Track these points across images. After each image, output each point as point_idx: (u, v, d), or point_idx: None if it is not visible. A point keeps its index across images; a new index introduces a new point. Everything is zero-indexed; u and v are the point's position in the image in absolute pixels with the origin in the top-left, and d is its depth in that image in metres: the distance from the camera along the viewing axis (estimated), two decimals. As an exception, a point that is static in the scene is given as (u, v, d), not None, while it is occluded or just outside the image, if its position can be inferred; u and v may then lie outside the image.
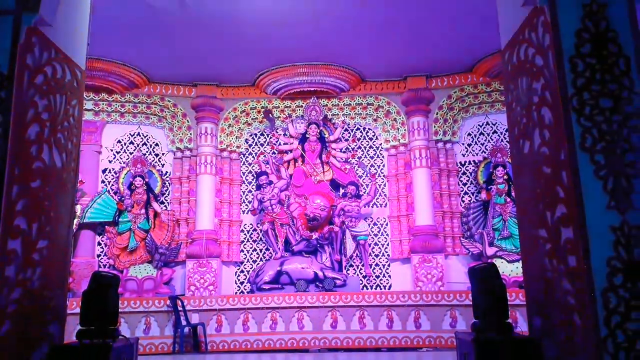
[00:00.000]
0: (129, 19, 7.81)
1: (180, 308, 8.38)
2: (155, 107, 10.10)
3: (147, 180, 9.70)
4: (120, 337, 4.38)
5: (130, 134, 10.11)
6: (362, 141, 10.34)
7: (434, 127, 9.94)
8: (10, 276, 3.74)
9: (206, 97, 10.05)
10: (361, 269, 9.70)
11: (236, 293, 9.59)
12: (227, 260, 9.77)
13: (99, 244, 9.63)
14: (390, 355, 7.80)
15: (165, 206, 9.92)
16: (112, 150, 9.99)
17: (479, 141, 10.03)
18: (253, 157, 10.35)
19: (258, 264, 9.80)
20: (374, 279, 9.72)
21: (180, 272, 9.54)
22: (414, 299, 8.52)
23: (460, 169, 10.03)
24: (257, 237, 10.01)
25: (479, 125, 10.08)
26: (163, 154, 10.20)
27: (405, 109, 10.05)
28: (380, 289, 9.59)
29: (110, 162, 9.94)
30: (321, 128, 10.11)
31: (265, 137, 10.42)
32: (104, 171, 9.88)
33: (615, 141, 3.48)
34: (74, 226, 8.74)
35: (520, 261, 8.65)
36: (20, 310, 3.83)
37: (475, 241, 9.33)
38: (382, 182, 10.15)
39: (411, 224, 9.64)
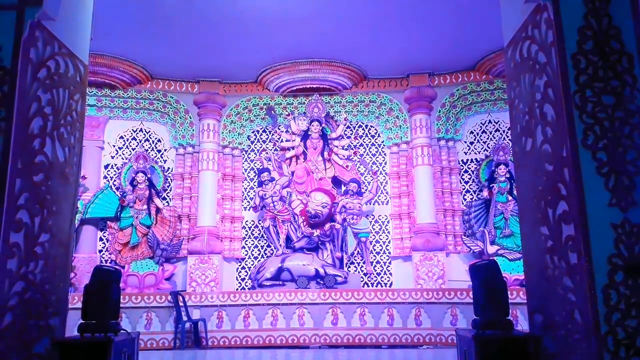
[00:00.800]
0: (132, 14, 7.82)
1: (181, 304, 8.40)
2: (158, 103, 10.11)
3: (149, 176, 9.72)
4: (121, 331, 4.40)
5: (132, 129, 10.13)
6: (364, 138, 10.34)
7: (437, 124, 9.94)
8: (12, 269, 3.75)
9: (209, 94, 10.06)
10: (362, 266, 9.72)
11: (237, 289, 9.61)
12: (229, 256, 9.80)
13: (101, 239, 9.66)
14: (391, 353, 7.81)
15: (167, 202, 9.94)
16: (114, 146, 10.01)
17: (481, 139, 10.03)
18: (255, 153, 10.37)
19: (259, 260, 9.82)
20: (375, 277, 9.73)
21: (182, 268, 9.56)
22: (415, 297, 8.53)
23: (462, 167, 10.03)
24: (259, 234, 10.02)
25: (481, 123, 10.07)
26: (165, 150, 10.22)
27: (407, 107, 10.05)
28: (381, 286, 9.61)
29: (112, 157, 9.97)
30: (323, 125, 10.12)
31: (267, 134, 10.43)
32: (106, 167, 9.91)
33: (617, 138, 3.48)
34: (76, 222, 8.80)
35: (522, 259, 8.68)
36: (22, 304, 3.84)
37: (476, 239, 9.34)
38: (384, 179, 10.15)
39: (413, 222, 9.65)
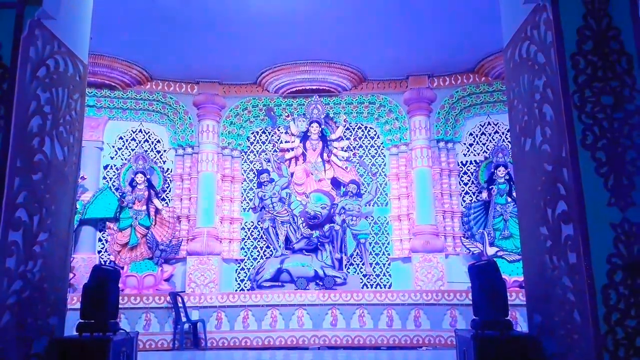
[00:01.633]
0: (131, 15, 7.82)
1: (180, 304, 8.39)
2: (158, 104, 10.11)
3: (148, 176, 9.71)
4: (120, 330, 4.39)
5: (132, 130, 10.13)
6: (363, 140, 10.35)
7: (436, 126, 9.94)
8: (10, 268, 3.74)
9: (208, 95, 10.06)
10: (361, 267, 9.71)
11: (236, 290, 9.59)
12: (228, 257, 9.78)
13: (100, 240, 9.65)
14: (390, 354, 7.80)
15: (166, 203, 9.94)
16: (113, 146, 10.01)
17: (481, 141, 10.04)
18: (254, 154, 10.37)
19: (258, 261, 9.80)
20: (374, 278, 9.72)
21: (181, 269, 9.54)
22: (414, 298, 8.52)
23: (461, 169, 10.04)
24: (258, 235, 10.02)
25: (480, 125, 10.08)
26: (165, 150, 10.21)
27: (407, 108, 10.05)
28: (381, 287, 9.60)
29: (112, 158, 9.96)
30: (323, 126, 10.12)
31: (266, 135, 10.43)
32: (105, 167, 9.90)
33: (616, 138, 3.48)
34: (75, 222, 8.78)
35: (521, 261, 8.68)
36: (20, 302, 3.84)
37: (475, 241, 9.34)
38: (383, 181, 10.15)
39: (412, 223, 9.64)
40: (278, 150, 10.19)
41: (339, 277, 9.09)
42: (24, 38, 3.92)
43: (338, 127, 10.19)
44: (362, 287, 9.48)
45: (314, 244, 9.50)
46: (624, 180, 3.42)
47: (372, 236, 9.87)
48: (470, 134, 10.12)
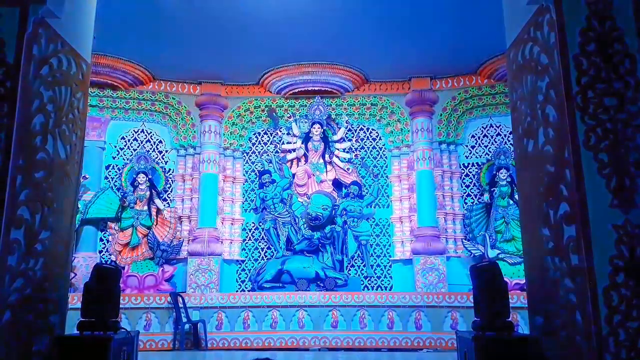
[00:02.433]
0: (134, 15, 7.83)
1: (181, 305, 8.38)
2: (160, 105, 10.12)
3: (150, 177, 9.71)
4: (121, 329, 4.39)
5: (134, 130, 10.14)
6: (365, 141, 10.35)
7: (438, 128, 9.93)
8: (12, 265, 3.75)
9: (210, 95, 10.07)
10: (362, 269, 9.70)
11: (237, 291, 9.58)
12: (229, 258, 9.78)
13: (101, 240, 9.65)
14: (391, 356, 7.78)
15: (167, 203, 9.94)
16: (116, 146, 10.02)
17: (483, 143, 10.03)
18: (256, 155, 10.37)
19: (259, 262, 9.80)
20: (375, 280, 9.71)
21: (182, 270, 9.54)
22: (415, 300, 8.50)
23: (463, 171, 10.02)
24: (259, 236, 10.01)
25: (482, 127, 10.07)
26: (167, 151, 10.22)
27: (409, 110, 10.05)
28: (382, 289, 9.58)
29: (113, 158, 9.97)
30: (325, 128, 10.12)
31: (268, 136, 10.43)
32: (107, 167, 9.91)
33: (619, 140, 3.48)
34: (77, 222, 8.78)
35: (522, 264, 8.66)
36: (21, 300, 3.84)
37: (477, 243, 9.33)
38: (385, 182, 10.14)
39: (413, 225, 9.63)
40: (280, 151, 10.19)
41: (340, 279, 9.08)
42: (28, 36, 3.93)
43: (340, 128, 10.19)
44: (363, 289, 9.46)
45: (315, 245, 9.49)
46: (627, 181, 3.42)
47: (374, 238, 9.87)
48: (473, 136, 10.11)
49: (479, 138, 10.08)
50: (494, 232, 9.26)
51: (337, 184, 9.97)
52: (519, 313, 7.52)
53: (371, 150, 10.32)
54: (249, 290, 9.48)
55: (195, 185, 9.93)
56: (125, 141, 10.09)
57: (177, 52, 9.03)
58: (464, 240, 9.51)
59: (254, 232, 10.09)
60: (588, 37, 3.63)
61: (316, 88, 9.91)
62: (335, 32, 8.43)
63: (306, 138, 10.09)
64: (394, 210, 9.97)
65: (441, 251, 9.33)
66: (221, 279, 9.48)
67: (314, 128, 10.04)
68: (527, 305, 4.40)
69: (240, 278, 9.86)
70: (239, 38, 8.48)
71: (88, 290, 4.27)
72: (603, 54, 3.60)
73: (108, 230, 9.59)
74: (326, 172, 9.97)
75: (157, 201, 9.69)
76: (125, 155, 10.00)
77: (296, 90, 10.02)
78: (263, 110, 10.32)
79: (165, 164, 10.14)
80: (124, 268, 9.15)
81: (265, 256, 9.88)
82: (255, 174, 10.22)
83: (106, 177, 9.86)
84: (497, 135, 9.94)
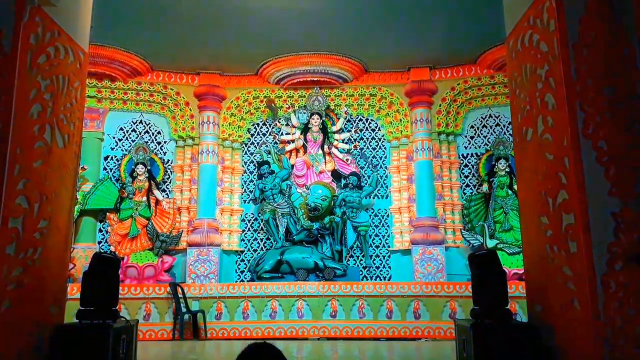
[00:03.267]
0: (132, 5, 7.78)
1: (180, 295, 8.40)
2: (158, 95, 10.09)
3: (149, 168, 9.70)
4: (120, 318, 4.40)
5: (132, 121, 10.11)
6: (364, 132, 10.33)
7: (437, 119, 9.92)
8: (10, 254, 3.75)
9: (209, 86, 10.04)
10: (361, 259, 9.72)
11: (236, 282, 9.60)
12: (228, 249, 9.79)
13: (100, 230, 9.65)
14: (389, 345, 7.81)
15: (166, 194, 9.93)
16: (114, 137, 9.99)
17: (482, 134, 10.01)
18: (255, 146, 10.35)
19: (259, 253, 9.81)
20: (374, 270, 9.73)
21: (181, 260, 9.55)
22: (414, 290, 8.52)
23: (462, 162, 10.02)
24: (258, 227, 10.02)
25: (481, 117, 10.05)
26: (165, 142, 10.20)
27: (408, 101, 10.02)
28: (380, 279, 9.61)
29: (112, 149, 9.95)
30: (324, 118, 10.10)
31: (267, 127, 10.41)
32: (105, 158, 9.89)
33: (618, 128, 3.47)
34: (76, 213, 8.79)
35: (521, 254, 8.67)
36: (20, 289, 3.84)
37: (476, 233, 9.34)
38: (384, 173, 10.13)
39: (412, 216, 9.64)
40: (279, 142, 10.17)
41: (339, 269, 9.09)
42: (25, 24, 3.91)
43: (339, 119, 10.17)
44: (362, 279, 9.48)
45: (314, 236, 9.50)
46: (625, 169, 3.41)
47: (373, 228, 9.88)
48: (472, 127, 10.09)
49: (478, 128, 10.06)
50: (492, 222, 9.28)
51: (336, 175, 9.96)
52: (517, 303, 7.55)
53: (370, 141, 10.31)
54: (248, 281, 9.50)
55: (194, 176, 9.92)
56: (124, 132, 10.06)
57: (175, 43, 8.98)
58: (462, 231, 9.52)
59: (253, 223, 10.09)
60: (588, 25, 3.61)
61: (315, 78, 9.88)
62: (334, 22, 8.38)
63: (305, 129, 10.07)
64: (392, 200, 9.97)
65: (440, 241, 9.35)
66: (220, 269, 9.50)
67: (313, 119, 10.02)
68: (525, 295, 4.42)
69: (239, 268, 9.88)
70: (238, 28, 8.44)
71: (87, 278, 4.28)
72: (602, 41, 3.58)
73: (107, 221, 9.59)
74: (325, 162, 9.96)
75: (156, 192, 9.69)
76: (123, 146, 9.98)
77: (295, 81, 9.99)
78: (262, 101, 10.29)
79: (164, 154, 10.13)
80: (123, 259, 9.16)
81: (265, 247, 9.89)
82: (254, 164, 10.21)
83: (105, 168, 9.84)
84: (496, 126, 9.93)
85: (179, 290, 8.47)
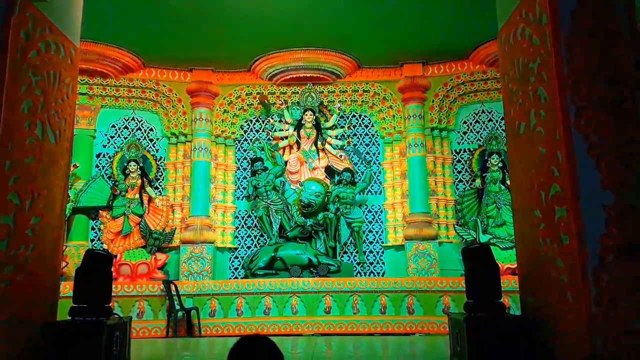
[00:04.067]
0: (124, 1, 7.72)
1: (174, 292, 8.38)
2: (150, 92, 10.04)
3: (141, 165, 9.66)
4: (113, 315, 4.38)
5: (124, 118, 10.05)
6: (357, 128, 10.33)
7: (430, 114, 9.93)
8: (2, 251, 3.72)
9: (201, 83, 9.99)
10: (355, 255, 9.73)
11: (230, 279, 9.58)
12: (221, 246, 9.77)
13: (93, 228, 9.60)
14: (383, 340, 7.83)
15: (159, 191, 9.89)
16: (106, 134, 9.94)
17: (475, 129, 10.04)
18: (248, 143, 10.32)
19: (252, 250, 9.80)
20: (368, 266, 9.75)
21: (175, 258, 9.52)
22: (408, 285, 8.55)
23: (455, 157, 10.04)
24: (252, 223, 10.00)
25: (474, 113, 10.08)
26: (158, 139, 10.15)
27: (401, 97, 10.03)
28: (374, 275, 9.62)
29: (104, 146, 9.90)
30: (317, 114, 10.08)
31: (260, 123, 10.39)
32: (98, 156, 9.84)
33: (610, 120, 3.48)
34: (68, 210, 8.74)
35: (513, 249, 8.70)
36: (12, 287, 3.82)
37: (469, 229, 9.37)
38: (377, 169, 10.14)
39: (405, 211, 9.66)
40: (272, 139, 10.15)
41: (333, 265, 9.10)
42: (15, 19, 3.88)
43: (332, 115, 10.17)
44: (356, 275, 9.49)
45: (307, 232, 9.49)
46: (617, 161, 3.43)
47: (366, 224, 9.89)
48: (464, 122, 10.12)
49: (470, 124, 10.09)
50: (485, 217, 9.31)
51: (330, 171, 9.96)
52: (510, 297, 7.58)
53: (363, 137, 10.31)
54: (242, 278, 9.49)
55: (187, 173, 9.88)
56: (116, 129, 10.00)
57: (167, 39, 8.92)
58: (455, 226, 9.55)
59: (246, 220, 10.08)
60: (580, 18, 3.62)
61: (308, 74, 9.86)
62: (327, 17, 8.36)
63: (298, 125, 10.06)
64: (386, 196, 9.98)
65: (433, 237, 9.36)
66: (214, 266, 9.48)
67: (306, 115, 10.00)
68: (518, 289, 4.44)
69: (233, 265, 9.87)
70: (230, 24, 8.40)
71: (80, 275, 4.26)
72: (595, 34, 3.59)
73: (99, 219, 9.54)
74: (318, 159, 9.95)
75: (149, 189, 9.65)
76: (115, 143, 9.93)
77: (288, 77, 9.96)
78: (255, 98, 10.26)
79: (157, 151, 10.08)
80: (116, 257, 9.12)
81: (258, 243, 9.88)
82: (248, 161, 10.19)
83: (97, 166, 9.78)
84: (488, 121, 9.96)
85: (173, 287, 8.44)
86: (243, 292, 8.60)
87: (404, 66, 9.93)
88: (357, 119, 10.36)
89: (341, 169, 9.78)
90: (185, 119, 10.01)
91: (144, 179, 9.64)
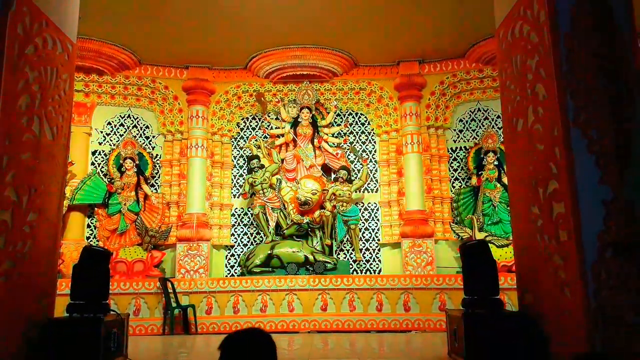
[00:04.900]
0: (120, -2, 7.71)
1: (170, 290, 8.36)
2: (146, 89, 10.01)
3: (137, 162, 9.63)
4: (110, 311, 4.37)
5: (120, 116, 10.02)
6: (354, 126, 10.33)
7: (426, 112, 9.94)
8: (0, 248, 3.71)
9: (198, 80, 9.96)
10: (352, 253, 9.73)
11: (226, 276, 9.57)
12: (218, 243, 9.75)
13: (89, 226, 9.56)
14: (380, 337, 7.84)
15: (155, 189, 9.86)
16: (102, 132, 9.90)
17: (470, 127, 10.06)
18: (244, 140, 10.31)
19: (249, 247, 9.79)
20: (364, 263, 9.76)
21: (171, 255, 9.50)
22: (404, 283, 8.56)
23: (451, 155, 10.06)
24: (248, 221, 9.99)
25: (470, 111, 10.10)
26: (154, 136, 10.12)
27: (397, 95, 10.04)
28: (371, 273, 9.63)
29: (100, 144, 9.86)
30: (313, 112, 10.08)
31: (257, 121, 10.37)
32: (93, 153, 9.80)
33: (608, 117, 3.50)
34: (64, 207, 8.70)
35: (510, 246, 8.72)
36: (9, 282, 3.80)
37: (465, 226, 9.39)
38: (374, 167, 10.15)
39: (402, 209, 9.67)
40: (268, 136, 10.14)
41: (329, 263, 9.10)
42: (12, 14, 3.86)
43: (329, 113, 10.16)
44: (352, 272, 9.50)
45: (304, 230, 9.50)
46: (615, 158, 3.45)
47: (362, 222, 9.89)
48: (460, 120, 10.14)
49: (466, 122, 10.11)
50: (481, 215, 9.34)
51: (326, 169, 9.96)
52: (506, 294, 7.60)
53: (360, 135, 10.32)
54: (238, 275, 9.48)
55: (183, 171, 9.86)
56: (112, 127, 9.97)
57: (163, 36, 8.89)
58: (451, 224, 9.57)
59: (242, 217, 10.07)
60: (578, 15, 3.63)
61: (304, 72, 9.85)
62: (323, 15, 8.36)
63: (295, 123, 10.05)
64: (382, 194, 10.00)
65: (429, 234, 9.39)
66: (210, 264, 9.47)
67: (303, 113, 10.00)
68: (514, 287, 4.45)
69: (229, 263, 9.86)
70: (227, 21, 8.38)
71: (77, 271, 4.24)
72: (593, 31, 3.60)
73: (95, 216, 9.51)
74: (315, 157, 9.95)
75: (145, 187, 9.62)
76: (111, 141, 9.89)
77: (284, 75, 9.95)
78: (251, 95, 10.24)
79: (153, 149, 10.05)
80: (112, 254, 9.06)
81: (255, 241, 9.87)
82: (244, 159, 10.17)
83: (92, 163, 9.75)
84: (484, 120, 9.98)
85: (169, 285, 8.43)
86: (239, 290, 8.59)
87: (400, 64, 9.94)
88: (353, 116, 10.36)
89: (337, 167, 9.78)
90: (182, 117, 9.99)
91: (140, 177, 9.60)
